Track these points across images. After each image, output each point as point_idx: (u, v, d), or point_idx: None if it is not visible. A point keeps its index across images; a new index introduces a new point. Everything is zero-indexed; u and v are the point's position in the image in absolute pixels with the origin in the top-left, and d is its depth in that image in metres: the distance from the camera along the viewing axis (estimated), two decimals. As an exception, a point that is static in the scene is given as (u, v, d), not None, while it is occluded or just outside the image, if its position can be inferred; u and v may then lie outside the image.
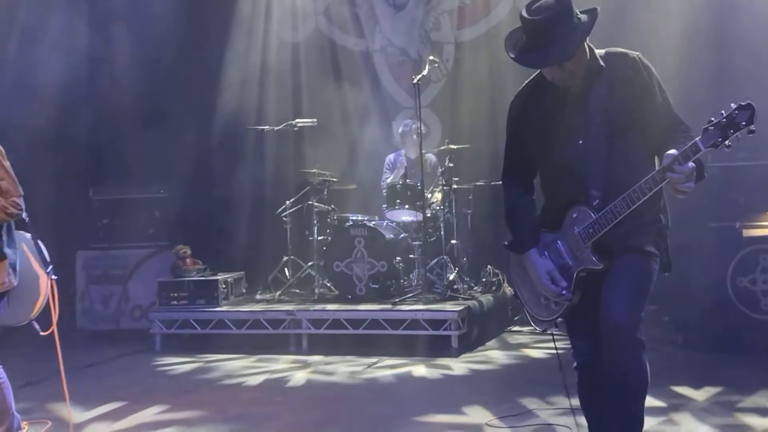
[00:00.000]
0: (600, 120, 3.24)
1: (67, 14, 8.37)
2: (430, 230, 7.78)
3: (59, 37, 8.30)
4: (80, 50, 8.46)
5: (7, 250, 4.10)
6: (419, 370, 6.37)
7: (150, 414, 5.30)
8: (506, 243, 3.54)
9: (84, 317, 8.43)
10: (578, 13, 3.20)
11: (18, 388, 4.22)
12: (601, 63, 3.27)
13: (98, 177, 8.78)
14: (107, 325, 8.34)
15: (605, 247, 3.26)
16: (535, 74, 3.45)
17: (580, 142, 3.26)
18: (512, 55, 3.28)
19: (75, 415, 5.09)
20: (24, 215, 4.19)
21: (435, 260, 7.76)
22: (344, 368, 6.49)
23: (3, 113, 6.80)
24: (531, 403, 5.15)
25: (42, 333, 4.50)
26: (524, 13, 3.20)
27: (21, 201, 4.13)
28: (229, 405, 5.48)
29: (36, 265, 4.42)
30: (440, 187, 7.89)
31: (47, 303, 4.47)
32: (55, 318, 4.46)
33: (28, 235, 4.45)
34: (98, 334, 8.23)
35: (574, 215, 3.29)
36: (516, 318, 7.96)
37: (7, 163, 4.15)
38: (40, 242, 4.42)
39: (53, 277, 4.48)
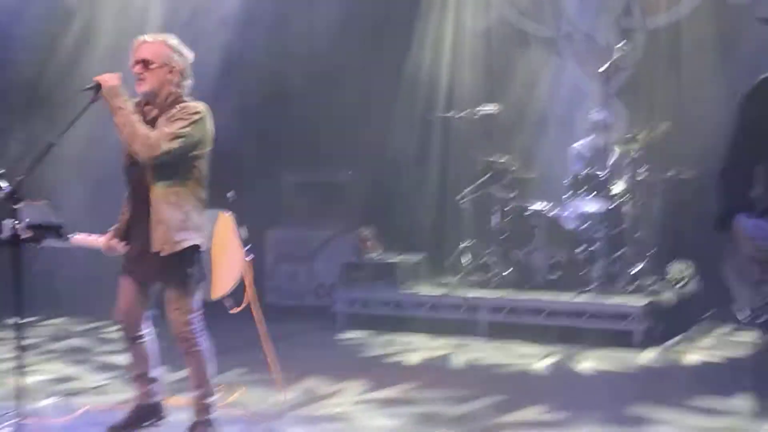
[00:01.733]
0: None
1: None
2: (614, 222, 7.59)
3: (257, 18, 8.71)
4: (278, 34, 8.85)
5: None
6: (598, 363, 6.26)
7: (326, 387, 5.51)
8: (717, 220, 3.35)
9: (271, 293, 8.86)
10: None
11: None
12: None
13: (290, 160, 9.16)
14: (292, 302, 8.73)
15: None
16: None
17: None
18: None
19: (255, 381, 5.42)
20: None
21: (618, 252, 7.57)
22: (523, 357, 6.48)
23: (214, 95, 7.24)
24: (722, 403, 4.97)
25: (232, 310, 4.79)
26: None
27: None
28: (405, 383, 5.60)
29: (236, 243, 4.72)
30: (626, 177, 7.67)
31: (242, 281, 4.76)
32: (250, 295, 4.74)
33: (228, 213, 4.75)
34: (284, 310, 8.61)
35: None
36: (706, 315, 7.63)
37: None
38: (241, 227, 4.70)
39: (250, 257, 4.76)
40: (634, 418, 4.85)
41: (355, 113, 8.88)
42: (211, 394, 4.42)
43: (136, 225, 4.31)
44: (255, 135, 8.85)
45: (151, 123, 4.23)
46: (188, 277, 4.24)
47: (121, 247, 4.44)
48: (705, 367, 6.17)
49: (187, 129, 4.18)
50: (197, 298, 4.32)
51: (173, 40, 4.34)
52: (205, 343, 4.38)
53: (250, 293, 4.81)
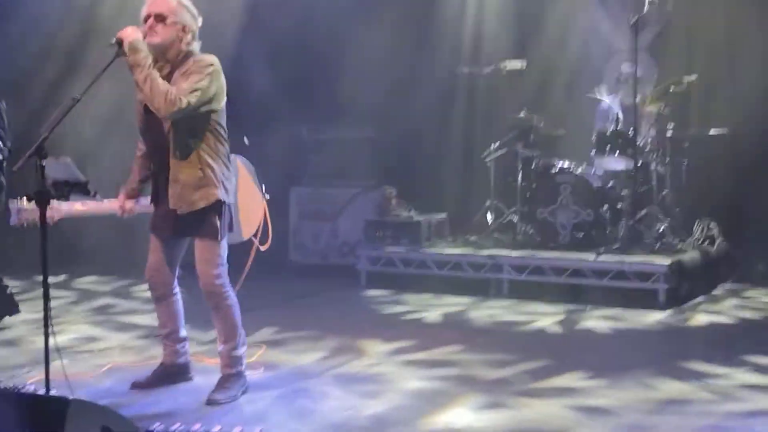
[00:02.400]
0: None
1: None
2: (641, 179, 7.50)
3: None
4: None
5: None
6: (622, 322, 6.23)
7: (348, 343, 5.54)
8: None
9: (295, 251, 8.89)
10: None
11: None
12: None
13: (312, 117, 9.11)
14: (316, 260, 8.75)
15: None
16: None
17: None
18: None
19: (283, 339, 5.45)
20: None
21: (644, 211, 7.49)
22: (546, 315, 6.46)
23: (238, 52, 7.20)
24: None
25: (262, 248, 4.83)
26: None
27: None
28: (428, 341, 5.60)
29: (255, 187, 4.74)
30: (653, 134, 7.56)
31: (264, 222, 4.81)
32: (270, 235, 4.80)
33: (240, 157, 4.77)
34: (308, 268, 8.64)
35: None
36: (732, 275, 7.57)
37: None
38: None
39: (266, 197, 4.84)
40: (689, 371, 4.80)
41: (378, 69, 8.77)
42: (241, 346, 4.45)
43: (161, 181, 4.32)
44: (278, 92, 8.79)
45: (164, 79, 4.20)
46: (215, 230, 4.26)
47: (135, 207, 4.46)
48: (738, 326, 6.12)
49: (204, 82, 4.16)
50: (225, 250, 4.34)
51: (187, 1, 4.31)
52: (233, 296, 4.40)
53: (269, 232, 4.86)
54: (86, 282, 8.05)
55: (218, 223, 4.26)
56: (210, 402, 4.25)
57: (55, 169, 3.78)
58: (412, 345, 5.48)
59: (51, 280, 3.65)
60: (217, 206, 4.26)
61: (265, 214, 4.84)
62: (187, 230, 4.33)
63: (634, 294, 6.77)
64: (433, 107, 8.99)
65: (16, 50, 8.64)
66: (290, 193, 8.86)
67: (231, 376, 4.39)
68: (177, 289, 4.57)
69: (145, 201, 4.47)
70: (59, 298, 7.06)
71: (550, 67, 8.68)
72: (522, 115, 7.92)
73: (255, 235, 4.81)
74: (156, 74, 4.09)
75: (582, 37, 8.72)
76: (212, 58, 4.27)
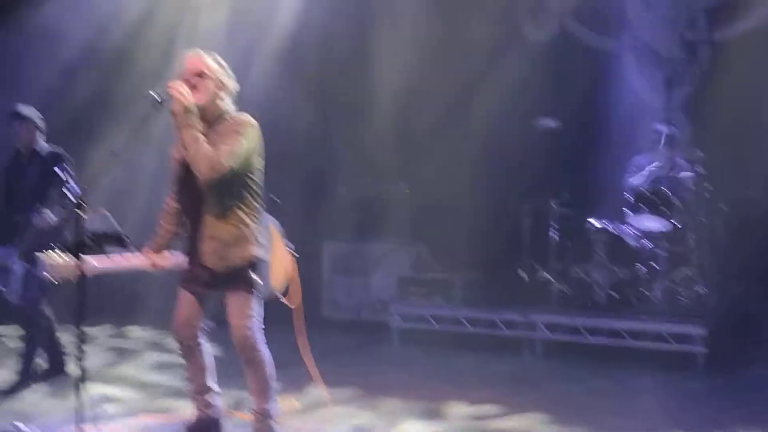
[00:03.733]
0: None
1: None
2: (678, 240, 7.41)
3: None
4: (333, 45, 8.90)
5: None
6: (657, 386, 6.10)
7: (389, 402, 5.48)
8: None
9: (328, 306, 8.87)
10: None
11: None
12: None
13: (346, 174, 9.16)
14: (349, 315, 8.71)
15: None
16: None
17: None
18: None
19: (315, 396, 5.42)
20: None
21: (681, 272, 7.38)
22: (575, 376, 6.36)
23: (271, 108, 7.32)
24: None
25: (291, 305, 4.81)
26: None
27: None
28: (461, 401, 5.52)
29: (283, 244, 4.75)
30: (690, 195, 7.49)
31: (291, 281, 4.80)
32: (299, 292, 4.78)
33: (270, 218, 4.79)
34: (341, 324, 8.60)
35: None
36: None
37: None
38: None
39: (295, 255, 4.84)
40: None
41: (411, 126, 8.84)
42: (273, 402, 4.42)
43: (194, 238, 4.35)
44: (311, 148, 8.89)
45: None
46: (250, 284, 4.27)
47: (167, 262, 4.49)
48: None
49: (243, 144, 4.21)
50: (258, 305, 4.34)
51: (222, 62, 4.41)
52: (266, 351, 4.38)
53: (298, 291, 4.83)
54: (125, 333, 8.10)
55: (253, 278, 4.28)
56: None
57: (93, 221, 3.83)
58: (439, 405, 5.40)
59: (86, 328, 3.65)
60: (254, 263, 4.28)
61: (293, 271, 4.83)
62: (221, 285, 4.34)
63: (673, 357, 6.64)
64: (465, 164, 8.98)
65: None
66: (323, 248, 8.88)
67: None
68: (203, 340, 4.56)
69: (176, 256, 4.50)
70: (94, 345, 7.10)
71: (583, 125, 8.65)
72: (554, 172, 7.90)
73: (285, 294, 4.79)
74: (203, 137, 4.15)
75: (614, 95, 8.71)
76: (249, 118, 4.32)
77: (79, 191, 3.63)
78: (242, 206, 4.28)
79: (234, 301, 4.30)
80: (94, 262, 4.33)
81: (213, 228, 4.24)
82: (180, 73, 4.30)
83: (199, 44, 4.76)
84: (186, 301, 4.45)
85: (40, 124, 5.90)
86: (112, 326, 8.28)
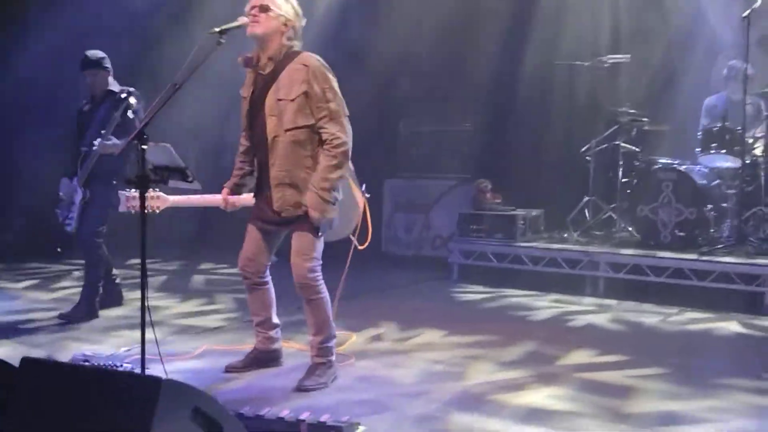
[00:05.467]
0: None
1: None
2: (748, 178, 7.18)
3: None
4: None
5: None
6: (725, 326, 5.97)
7: (438, 336, 5.49)
8: None
9: (389, 243, 8.91)
10: None
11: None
12: None
13: (408, 109, 9.07)
14: (409, 251, 8.74)
15: None
16: None
17: None
18: None
19: (374, 331, 5.46)
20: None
21: (751, 211, 7.17)
22: (643, 315, 6.27)
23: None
24: None
25: (360, 247, 4.82)
26: None
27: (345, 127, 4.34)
28: (518, 337, 5.50)
29: (354, 185, 4.74)
30: (764, 133, 7.23)
31: (363, 220, 4.80)
32: (369, 233, 4.78)
33: None
34: (401, 260, 8.64)
35: None
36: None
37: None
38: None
39: (366, 195, 4.82)
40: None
41: (475, 59, 8.66)
42: (332, 338, 4.47)
43: (263, 176, 4.37)
44: (373, 84, 8.80)
45: (270, 78, 4.28)
46: (316, 227, 4.28)
47: (238, 201, 4.54)
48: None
49: (338, 98, 4.26)
50: (321, 245, 4.35)
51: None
52: (325, 290, 4.42)
53: (369, 231, 4.82)
54: (179, 265, 8.27)
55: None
56: (300, 389, 4.28)
57: (156, 154, 3.86)
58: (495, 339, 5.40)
59: (148, 262, 3.71)
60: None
61: (365, 212, 4.83)
62: (289, 225, 4.37)
63: (739, 298, 6.50)
64: (532, 101, 8.81)
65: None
66: (384, 185, 8.87)
67: (321, 365, 4.41)
68: (269, 278, 4.61)
69: (248, 195, 4.54)
70: (155, 279, 7.26)
71: (655, 62, 8.38)
72: (624, 109, 7.70)
73: (354, 233, 4.80)
74: (340, 171, 4.23)
75: (687, 31, 8.38)
76: (318, 61, 4.29)
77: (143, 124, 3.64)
78: (314, 153, 4.27)
79: (298, 240, 4.32)
80: (171, 198, 4.45)
81: (283, 174, 4.26)
82: (246, 9, 4.27)
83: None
84: (253, 238, 4.49)
85: (108, 66, 5.97)
86: (178, 261, 8.46)
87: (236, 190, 4.57)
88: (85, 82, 6.01)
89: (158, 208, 4.50)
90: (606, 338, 5.62)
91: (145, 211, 3.71)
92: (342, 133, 4.23)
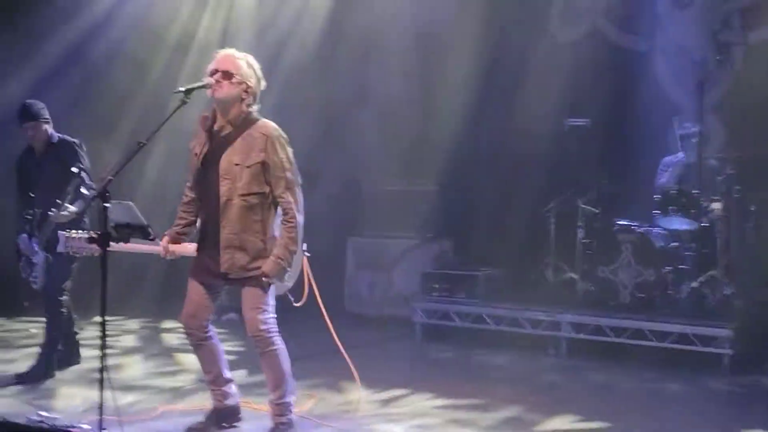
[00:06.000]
0: None
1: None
2: (705, 241, 7.32)
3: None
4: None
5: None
6: (681, 386, 6.03)
7: (419, 399, 5.48)
8: None
9: (351, 301, 8.87)
10: None
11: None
12: None
13: (371, 167, 9.13)
14: (372, 311, 8.70)
15: None
16: None
17: None
18: None
19: (337, 393, 5.41)
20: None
21: (708, 273, 7.29)
22: (600, 375, 6.29)
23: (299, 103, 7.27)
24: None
25: (296, 304, 4.76)
26: None
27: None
28: (490, 398, 5.50)
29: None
30: (719, 196, 7.40)
31: (301, 277, 4.77)
32: (306, 292, 4.76)
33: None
34: (363, 319, 8.60)
35: None
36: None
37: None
38: None
39: (307, 254, 4.79)
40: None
41: (437, 123, 8.79)
42: (290, 394, 4.43)
43: (210, 233, 4.38)
44: (336, 144, 8.88)
45: (226, 141, 4.33)
46: (265, 282, 4.28)
47: (178, 250, 4.52)
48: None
49: (290, 165, 4.34)
50: (272, 298, 4.35)
51: (255, 63, 4.42)
52: (281, 343, 4.40)
53: (313, 287, 4.81)
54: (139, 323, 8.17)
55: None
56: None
57: (117, 212, 3.85)
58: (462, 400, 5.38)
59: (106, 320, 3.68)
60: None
61: (305, 270, 4.80)
62: (235, 281, 4.36)
63: (697, 359, 6.57)
64: (494, 161, 8.93)
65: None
66: (347, 243, 8.88)
67: (280, 425, 4.36)
68: (213, 332, 4.57)
69: (189, 245, 4.53)
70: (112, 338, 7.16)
71: (612, 126, 8.54)
72: (583, 171, 7.83)
73: (290, 291, 4.76)
74: (297, 243, 4.32)
75: (645, 96, 8.59)
76: (275, 129, 4.37)
77: (99, 181, 3.64)
78: (270, 219, 4.34)
79: (248, 295, 4.32)
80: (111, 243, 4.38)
81: (234, 238, 4.28)
82: (209, 71, 4.33)
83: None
84: (195, 293, 4.46)
85: (47, 116, 5.79)
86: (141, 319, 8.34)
87: (177, 239, 4.55)
88: (24, 134, 5.79)
89: (97, 250, 4.39)
90: (577, 400, 5.63)
91: (84, 254, 3.68)
92: (295, 206, 4.31)
